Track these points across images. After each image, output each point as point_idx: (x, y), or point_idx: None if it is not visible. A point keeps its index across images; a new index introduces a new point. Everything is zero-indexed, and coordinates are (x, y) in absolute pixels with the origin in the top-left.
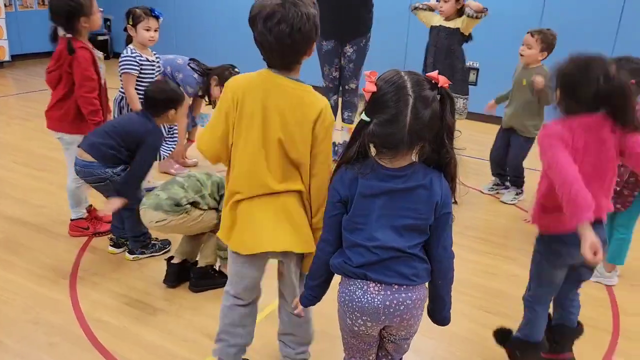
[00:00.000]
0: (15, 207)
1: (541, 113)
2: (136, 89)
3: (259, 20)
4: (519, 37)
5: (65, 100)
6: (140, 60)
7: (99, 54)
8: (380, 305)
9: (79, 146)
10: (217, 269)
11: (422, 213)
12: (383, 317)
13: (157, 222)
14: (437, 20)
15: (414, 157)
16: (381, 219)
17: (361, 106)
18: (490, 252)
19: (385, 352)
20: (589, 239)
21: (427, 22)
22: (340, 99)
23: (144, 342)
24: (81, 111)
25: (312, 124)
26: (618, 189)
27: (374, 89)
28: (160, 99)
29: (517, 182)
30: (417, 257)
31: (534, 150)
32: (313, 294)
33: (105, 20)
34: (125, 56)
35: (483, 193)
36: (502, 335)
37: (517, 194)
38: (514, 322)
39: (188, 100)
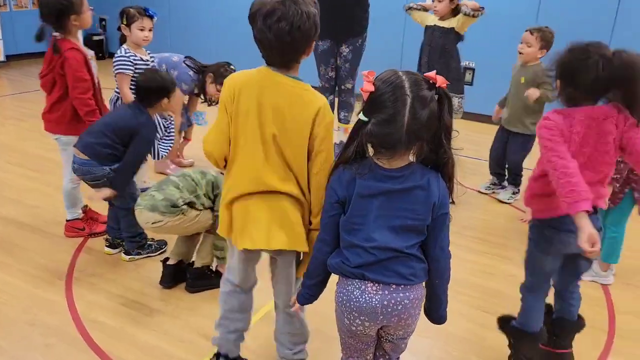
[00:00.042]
0: (10, 207)
1: (540, 110)
2: (131, 88)
3: (259, 18)
4: (515, 37)
5: (61, 102)
6: (135, 60)
7: (90, 53)
8: (378, 305)
9: (74, 146)
10: (213, 269)
11: (420, 214)
12: (381, 317)
13: (153, 223)
14: (431, 19)
15: (411, 158)
16: (379, 220)
17: (357, 106)
18: (487, 252)
19: (383, 351)
20: (587, 231)
21: (421, 22)
22: (336, 99)
23: (140, 342)
24: (77, 112)
25: (311, 123)
26: (618, 185)
27: (372, 88)
28: (152, 88)
29: (516, 180)
30: (414, 257)
31: (535, 150)
32: (310, 293)
33: (101, 20)
34: (119, 56)
35: (481, 192)
36: (503, 322)
37: (513, 193)
38: None
39: (183, 98)
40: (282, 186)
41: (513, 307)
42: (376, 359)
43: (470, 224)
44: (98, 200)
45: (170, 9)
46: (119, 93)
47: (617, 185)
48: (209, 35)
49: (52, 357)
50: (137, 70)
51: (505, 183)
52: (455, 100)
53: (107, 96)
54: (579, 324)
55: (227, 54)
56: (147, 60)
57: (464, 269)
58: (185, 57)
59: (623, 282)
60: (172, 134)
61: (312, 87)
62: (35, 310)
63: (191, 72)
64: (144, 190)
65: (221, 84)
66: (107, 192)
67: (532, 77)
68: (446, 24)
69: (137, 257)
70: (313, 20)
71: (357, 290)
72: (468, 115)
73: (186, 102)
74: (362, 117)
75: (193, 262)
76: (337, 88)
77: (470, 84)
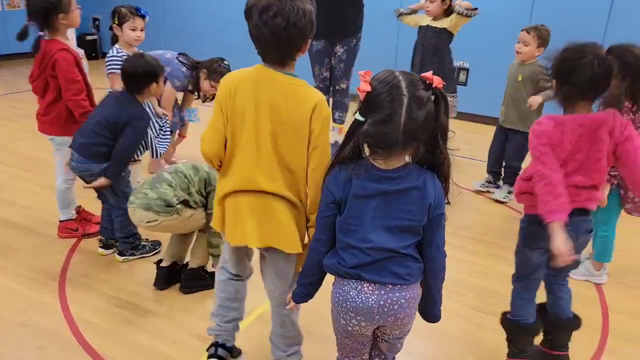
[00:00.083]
0: (2, 208)
1: (539, 107)
2: None
3: (255, 13)
4: (509, 37)
5: (55, 103)
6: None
7: (80, 52)
8: (374, 305)
9: (70, 147)
10: (208, 270)
11: (416, 214)
12: (377, 317)
13: (147, 222)
14: (424, 20)
15: (407, 158)
16: (375, 221)
17: (352, 106)
18: (483, 252)
19: (379, 351)
20: (557, 240)
21: (414, 25)
22: (330, 100)
23: (134, 344)
24: (72, 113)
25: (308, 119)
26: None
27: (369, 88)
28: (138, 74)
29: (512, 180)
30: (410, 257)
31: None
32: (305, 292)
33: (94, 19)
34: (111, 56)
35: (476, 192)
36: (504, 316)
37: (509, 192)
38: None
39: (176, 95)
40: (271, 187)
41: (509, 307)
42: (372, 359)
43: (466, 224)
44: (93, 187)
45: (165, 10)
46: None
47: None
48: (204, 37)
49: (46, 359)
50: None
51: (500, 182)
52: (449, 100)
53: (101, 96)
54: (574, 322)
55: (221, 54)
56: None
57: (460, 269)
58: (179, 54)
59: (616, 281)
60: (167, 132)
61: None
62: (28, 312)
63: (184, 69)
64: None
65: (215, 79)
66: (102, 180)
67: (529, 74)
68: (439, 24)
69: (131, 257)
70: (309, 17)
71: (354, 291)
72: (462, 115)
73: (180, 100)
74: (358, 117)
75: (187, 263)
76: (331, 88)
77: (465, 84)
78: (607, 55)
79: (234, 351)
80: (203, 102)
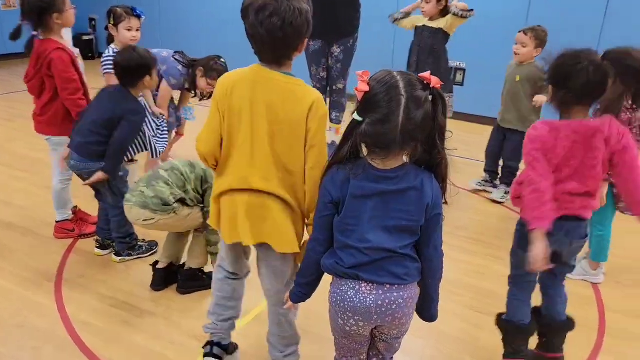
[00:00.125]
0: None
1: (539, 107)
2: None
3: (251, 12)
4: (506, 37)
5: (52, 103)
6: None
7: (76, 51)
8: (372, 305)
9: (68, 146)
10: (204, 270)
11: (414, 215)
12: (375, 317)
13: (144, 220)
14: (421, 20)
15: (405, 158)
16: (373, 221)
17: (349, 106)
18: (481, 253)
19: (377, 351)
20: (535, 249)
21: (411, 27)
22: (327, 100)
23: (131, 345)
24: (68, 113)
25: (305, 118)
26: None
27: (367, 88)
28: (131, 67)
29: (509, 180)
30: (408, 257)
31: None
32: (302, 291)
33: (91, 19)
34: (107, 56)
35: (468, 191)
36: (499, 317)
37: (506, 192)
38: None
39: (171, 93)
40: (265, 186)
41: (505, 307)
42: (370, 359)
43: (463, 225)
44: (92, 182)
45: (161, 9)
46: None
47: None
48: (200, 36)
49: None
50: None
51: (497, 182)
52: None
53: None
54: (568, 324)
55: (217, 54)
56: None
57: (458, 270)
58: (175, 52)
59: (613, 280)
60: (165, 131)
61: None
62: (24, 313)
63: (180, 67)
64: None
65: (212, 77)
66: (99, 174)
67: (527, 75)
68: (435, 24)
69: (127, 258)
70: (305, 16)
71: (352, 291)
72: (459, 116)
73: (177, 99)
74: (356, 117)
75: (184, 263)
76: (328, 88)
77: (461, 84)
78: (603, 60)
79: (230, 348)
80: (200, 100)
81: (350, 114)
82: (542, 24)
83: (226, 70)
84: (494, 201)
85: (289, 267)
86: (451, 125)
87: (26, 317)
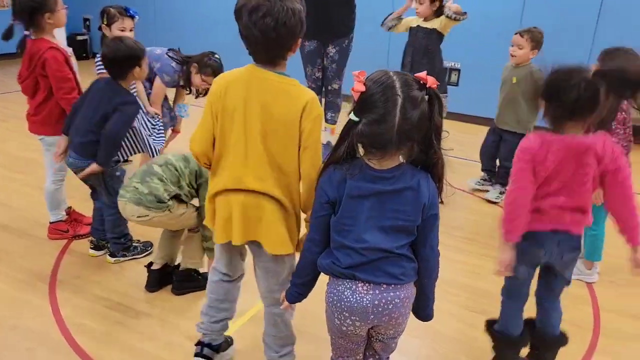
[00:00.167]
0: None
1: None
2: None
3: (244, 13)
4: (500, 38)
5: (46, 102)
6: None
7: (69, 51)
8: (369, 305)
9: (68, 145)
10: (200, 271)
11: (410, 215)
12: (372, 317)
13: (138, 217)
14: (415, 21)
15: (401, 158)
16: (369, 221)
17: (346, 107)
18: (476, 252)
19: (373, 351)
20: (502, 256)
21: (405, 29)
22: (323, 100)
23: (126, 346)
24: (63, 112)
25: (299, 118)
26: None
27: (363, 88)
28: (118, 58)
29: (504, 180)
30: (405, 256)
31: None
32: (298, 291)
33: (85, 20)
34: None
35: (463, 191)
36: (489, 325)
37: (501, 192)
38: None
39: (165, 90)
40: (259, 186)
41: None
42: (366, 359)
43: (459, 224)
44: (87, 174)
45: (156, 9)
46: None
47: None
48: (195, 36)
49: None
50: None
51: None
52: None
53: None
54: (561, 340)
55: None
56: None
57: (453, 269)
58: (169, 49)
59: (607, 280)
60: (161, 130)
61: None
62: (18, 314)
63: (174, 64)
64: None
65: (206, 73)
66: (93, 166)
67: (523, 76)
68: (429, 24)
69: (122, 259)
70: (299, 16)
71: (348, 290)
72: (454, 116)
73: (172, 99)
74: (352, 117)
75: (179, 264)
76: (323, 89)
77: (456, 84)
78: (599, 60)
79: (224, 343)
80: (196, 97)
81: (346, 114)
82: (537, 24)
83: (220, 66)
84: (489, 201)
85: (283, 267)
86: (446, 125)
87: (20, 318)
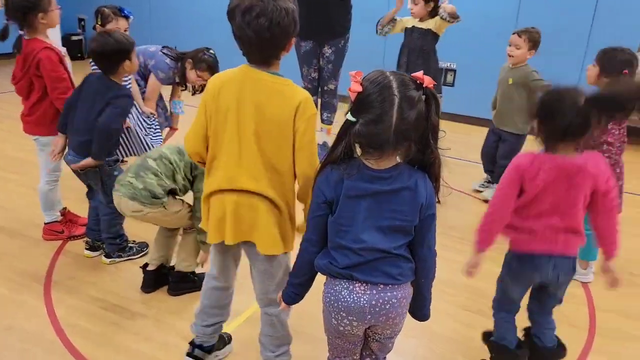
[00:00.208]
0: None
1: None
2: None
3: (238, 14)
4: (496, 39)
5: (40, 102)
6: None
7: (63, 50)
8: (366, 305)
9: (67, 145)
10: (195, 271)
11: (407, 215)
12: (369, 317)
13: (133, 211)
14: (410, 21)
15: (398, 158)
16: (367, 221)
17: (341, 107)
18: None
19: (370, 351)
20: (471, 261)
21: (401, 30)
22: (319, 100)
23: (122, 347)
24: (57, 112)
25: (292, 117)
26: None
27: (360, 89)
28: (106, 52)
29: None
30: (402, 257)
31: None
32: (295, 292)
33: (80, 20)
34: None
35: (462, 192)
36: (486, 336)
37: None
38: None
39: (160, 87)
40: (254, 186)
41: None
42: (363, 359)
43: (456, 225)
44: (81, 167)
45: (151, 8)
46: None
47: None
48: (190, 35)
49: None
50: None
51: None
52: None
53: None
54: (558, 352)
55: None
56: None
57: (450, 269)
58: (163, 47)
59: (603, 280)
60: (158, 129)
61: None
62: (13, 315)
63: (168, 60)
64: None
65: (201, 69)
66: (88, 160)
67: (519, 78)
68: (424, 25)
69: (117, 260)
70: (292, 16)
71: (345, 290)
72: (449, 116)
73: (167, 99)
74: (350, 117)
75: (174, 265)
76: (320, 89)
77: (452, 85)
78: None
79: (220, 342)
80: (193, 94)
81: (342, 115)
82: (533, 23)
83: (215, 61)
84: (485, 201)
85: (278, 268)
86: (441, 125)
87: (15, 319)
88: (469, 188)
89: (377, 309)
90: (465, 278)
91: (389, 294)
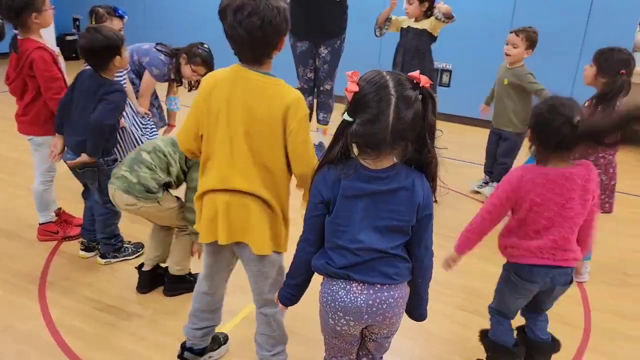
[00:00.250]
0: None
1: (526, 109)
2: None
3: (229, 13)
4: (492, 39)
5: (34, 102)
6: None
7: (57, 50)
8: (363, 305)
9: (65, 144)
10: (191, 272)
11: (405, 215)
12: (366, 316)
13: (127, 205)
14: (406, 21)
15: (395, 158)
16: (364, 221)
17: (337, 107)
18: (470, 253)
19: (367, 351)
20: (450, 258)
21: (396, 29)
22: (315, 100)
23: (118, 348)
24: (51, 112)
25: (282, 117)
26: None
27: (356, 89)
28: (95, 48)
29: (502, 177)
30: (399, 257)
31: (525, 149)
32: (292, 292)
33: (74, 20)
34: None
35: (459, 193)
36: (483, 335)
37: None
38: None
39: (154, 84)
40: (246, 186)
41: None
42: (359, 359)
43: (453, 225)
44: (77, 163)
45: (145, 8)
46: None
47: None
48: (185, 35)
49: None
50: None
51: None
52: None
53: None
54: (552, 346)
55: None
56: None
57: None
58: (157, 44)
59: (598, 279)
60: (154, 128)
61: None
62: (7, 316)
63: (162, 56)
64: None
65: (195, 63)
66: (84, 156)
67: (514, 78)
68: (419, 25)
69: (113, 260)
70: (283, 14)
71: (342, 290)
72: (445, 117)
73: (163, 99)
74: (346, 117)
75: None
76: (316, 89)
77: (448, 85)
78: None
79: (214, 342)
80: (189, 90)
81: (338, 115)
82: (528, 23)
83: (210, 56)
84: (483, 202)
85: (271, 268)
86: (436, 125)
87: (10, 320)
88: (464, 188)
89: (374, 309)
90: (461, 279)
91: (385, 293)
